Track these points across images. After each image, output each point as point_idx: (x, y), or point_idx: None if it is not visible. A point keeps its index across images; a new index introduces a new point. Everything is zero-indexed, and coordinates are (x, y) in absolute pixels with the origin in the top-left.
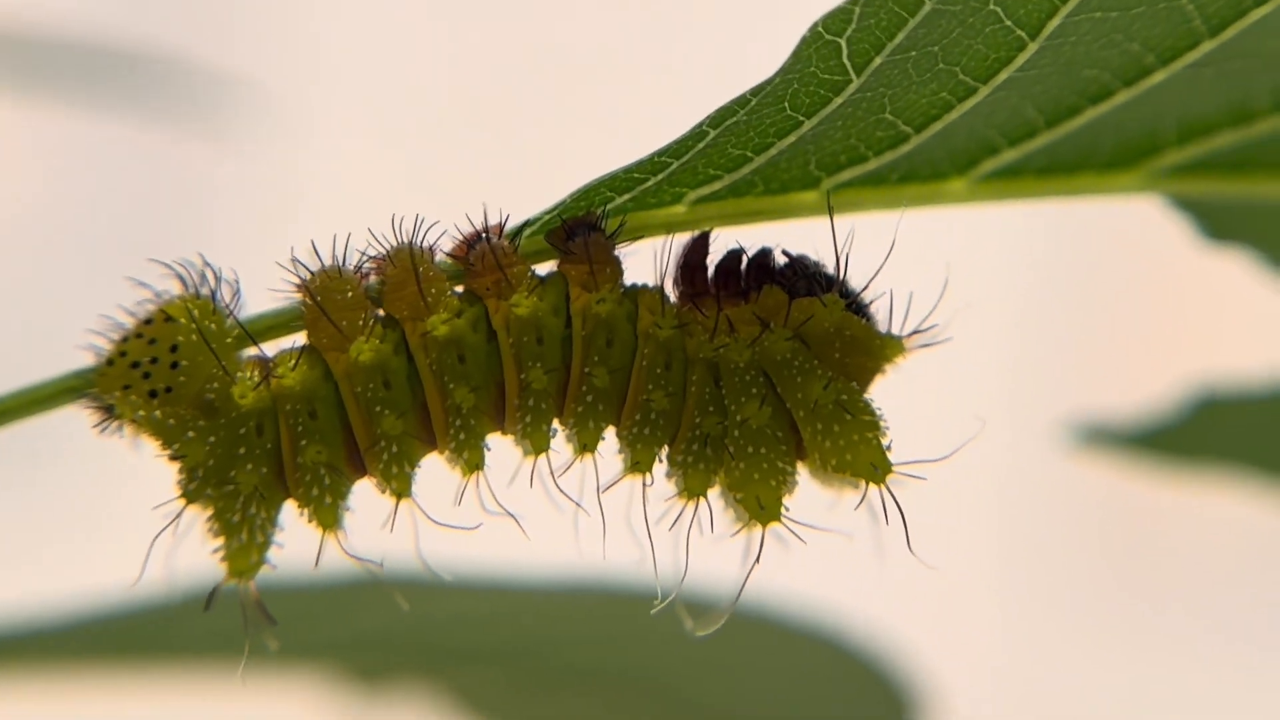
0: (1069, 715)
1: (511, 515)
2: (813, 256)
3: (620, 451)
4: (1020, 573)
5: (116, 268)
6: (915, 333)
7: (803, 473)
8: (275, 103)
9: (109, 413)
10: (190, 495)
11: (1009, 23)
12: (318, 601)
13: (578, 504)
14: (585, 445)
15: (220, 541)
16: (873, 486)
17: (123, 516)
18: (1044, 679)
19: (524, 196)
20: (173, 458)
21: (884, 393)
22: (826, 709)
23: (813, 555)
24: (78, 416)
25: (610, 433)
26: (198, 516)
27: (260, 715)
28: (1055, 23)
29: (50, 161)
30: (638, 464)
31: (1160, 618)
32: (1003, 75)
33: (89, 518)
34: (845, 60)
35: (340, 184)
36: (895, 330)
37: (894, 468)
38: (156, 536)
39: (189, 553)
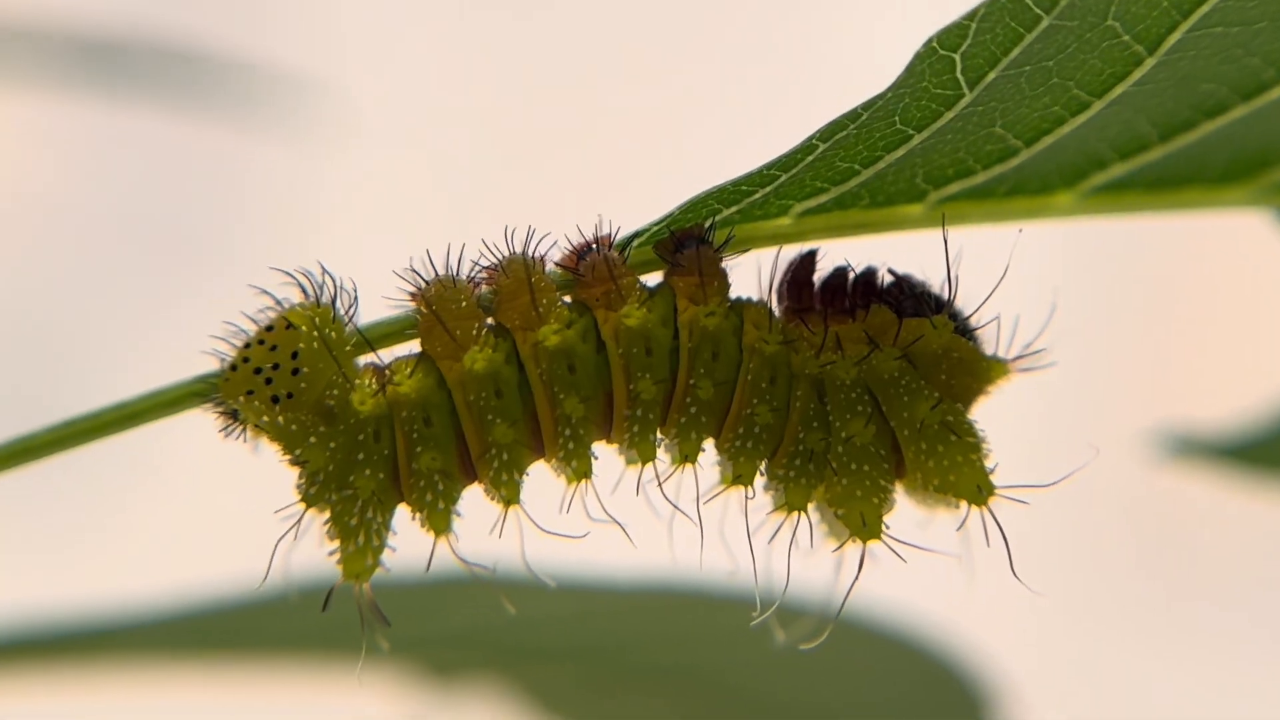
0: None
1: (618, 523)
2: (918, 276)
3: (720, 464)
4: (1103, 581)
5: (182, 266)
6: (1020, 356)
7: (899, 490)
8: (348, 105)
9: (233, 417)
10: (310, 499)
11: (1127, 38)
12: (398, 599)
13: (678, 508)
14: (686, 455)
15: (338, 544)
16: (974, 508)
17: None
18: (1125, 690)
19: (599, 202)
20: (294, 463)
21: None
22: (901, 710)
23: (894, 562)
24: (203, 421)
25: (710, 444)
26: (315, 518)
27: (334, 709)
28: (1175, 38)
29: (115, 160)
30: (740, 476)
31: (1242, 629)
32: (1118, 90)
33: (204, 519)
34: (959, 75)
35: (412, 184)
36: (1000, 353)
37: (997, 490)
38: (279, 540)
39: (292, 550)
